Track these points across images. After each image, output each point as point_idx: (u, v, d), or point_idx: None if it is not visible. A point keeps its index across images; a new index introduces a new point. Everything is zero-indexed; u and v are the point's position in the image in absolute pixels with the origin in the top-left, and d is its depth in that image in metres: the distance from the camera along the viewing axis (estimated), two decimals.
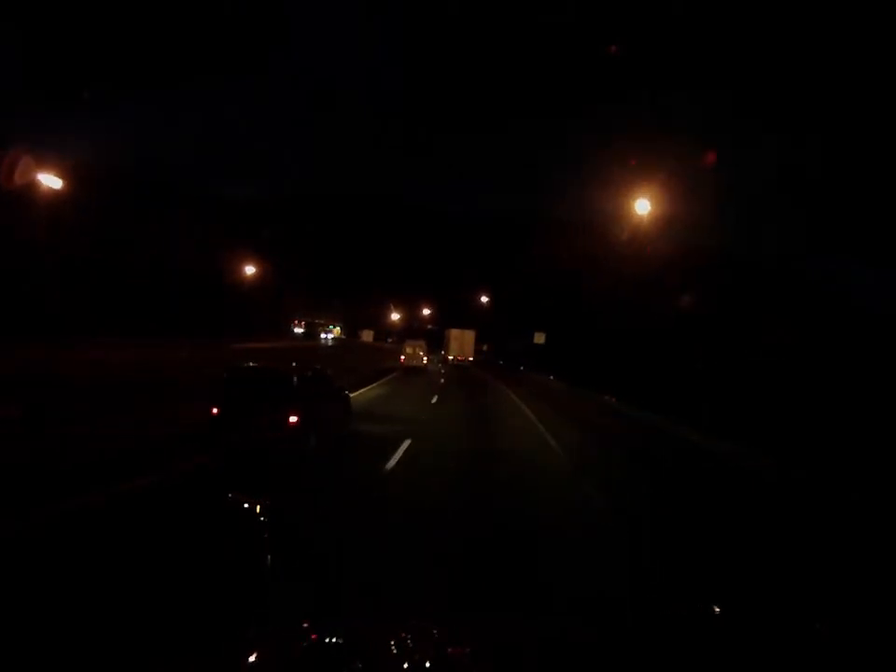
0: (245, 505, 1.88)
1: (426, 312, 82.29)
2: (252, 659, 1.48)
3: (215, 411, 9.39)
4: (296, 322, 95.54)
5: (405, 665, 1.53)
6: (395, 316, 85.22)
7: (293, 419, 9.43)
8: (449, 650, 1.69)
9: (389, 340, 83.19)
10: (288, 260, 74.87)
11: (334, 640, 1.66)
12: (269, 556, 1.78)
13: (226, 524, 1.93)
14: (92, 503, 6.50)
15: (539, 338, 45.32)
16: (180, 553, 5.10)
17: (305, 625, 1.70)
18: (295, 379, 10.23)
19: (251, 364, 11.21)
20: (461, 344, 52.10)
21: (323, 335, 70.57)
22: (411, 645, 1.68)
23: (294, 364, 11.65)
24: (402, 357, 38.06)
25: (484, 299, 68.76)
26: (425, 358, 39.93)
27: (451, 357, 51.42)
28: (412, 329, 75.18)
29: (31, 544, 5.32)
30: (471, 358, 51.62)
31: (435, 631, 1.82)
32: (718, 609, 1.98)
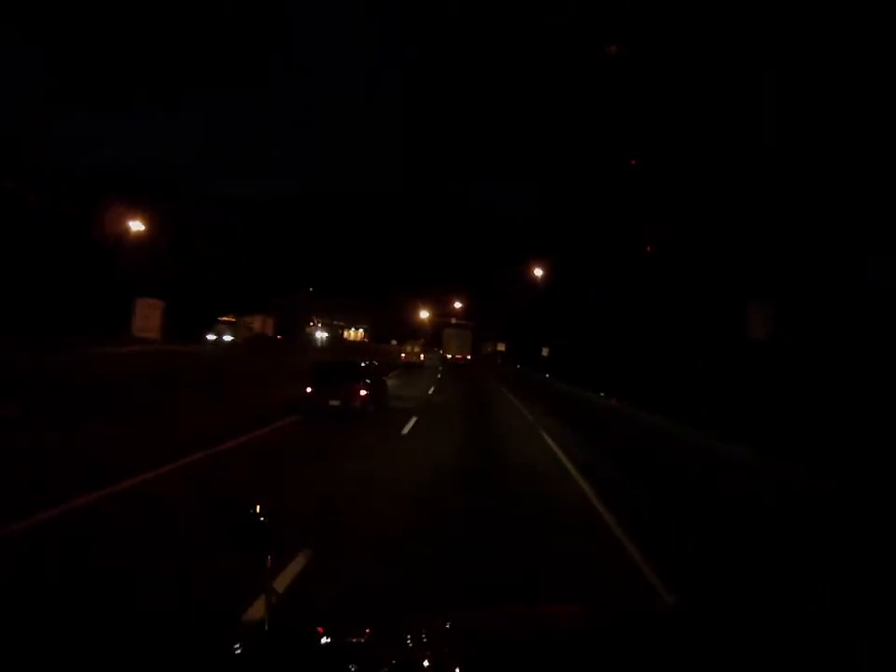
0: (246, 505, 1.88)
1: (457, 305, 76.23)
2: (253, 657, 1.48)
3: (309, 390, 14.11)
4: (312, 324, 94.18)
5: (408, 665, 1.53)
6: (424, 314, 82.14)
7: (363, 393, 14.31)
8: (448, 650, 1.69)
9: (393, 342, 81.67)
10: (294, 260, 74.64)
11: (336, 639, 1.65)
12: (269, 556, 1.78)
13: (228, 523, 1.93)
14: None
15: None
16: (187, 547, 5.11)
17: (309, 624, 1.70)
18: (361, 367, 15.66)
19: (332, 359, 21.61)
20: (459, 343, 53.07)
21: (213, 335, 45.17)
22: (416, 644, 1.68)
23: (357, 358, 18.96)
24: (403, 355, 44.08)
25: (538, 271, 46.34)
26: (422, 356, 46.35)
27: (449, 357, 52.07)
28: (436, 327, 72.37)
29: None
30: (469, 357, 52.38)
31: (447, 625, 1.82)
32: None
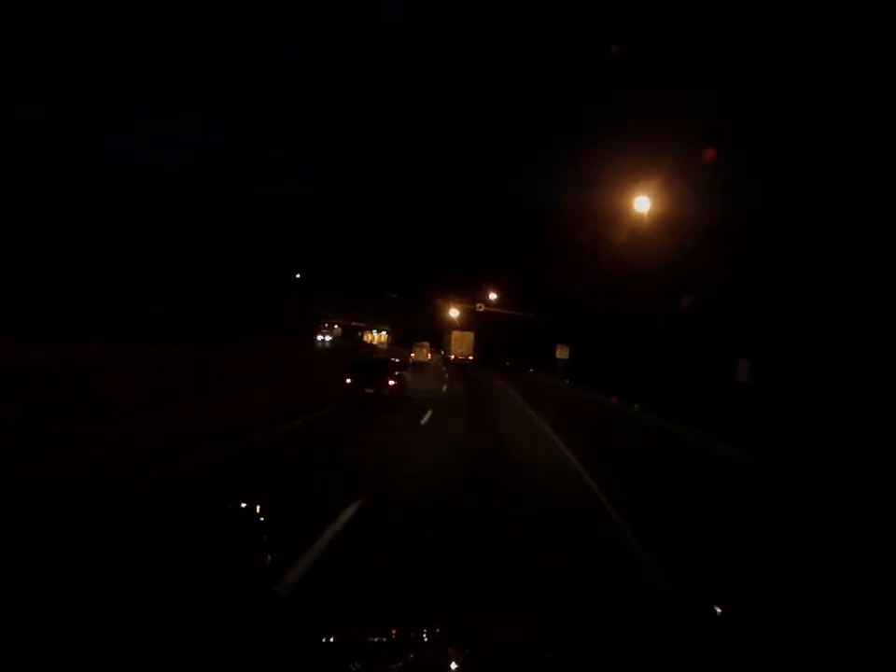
0: (245, 505, 1.88)
1: (492, 296, 69.93)
2: (252, 658, 1.48)
3: (349, 381, 17.50)
4: (326, 326, 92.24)
5: (408, 665, 1.52)
6: (453, 313, 78.96)
7: (392, 383, 18.02)
8: (450, 650, 1.69)
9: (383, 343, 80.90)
10: (295, 260, 73.91)
11: (336, 640, 1.65)
12: (269, 556, 1.78)
13: (227, 524, 1.93)
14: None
15: None
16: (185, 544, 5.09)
17: (308, 624, 1.70)
18: (388, 364, 19.76)
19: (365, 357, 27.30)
20: (461, 345, 58.45)
21: None
22: (414, 645, 1.67)
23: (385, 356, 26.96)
24: (412, 354, 49.85)
25: None
26: (429, 355, 54.49)
27: (452, 357, 57.32)
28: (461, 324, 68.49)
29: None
30: (471, 357, 56.52)
31: (438, 630, 1.82)
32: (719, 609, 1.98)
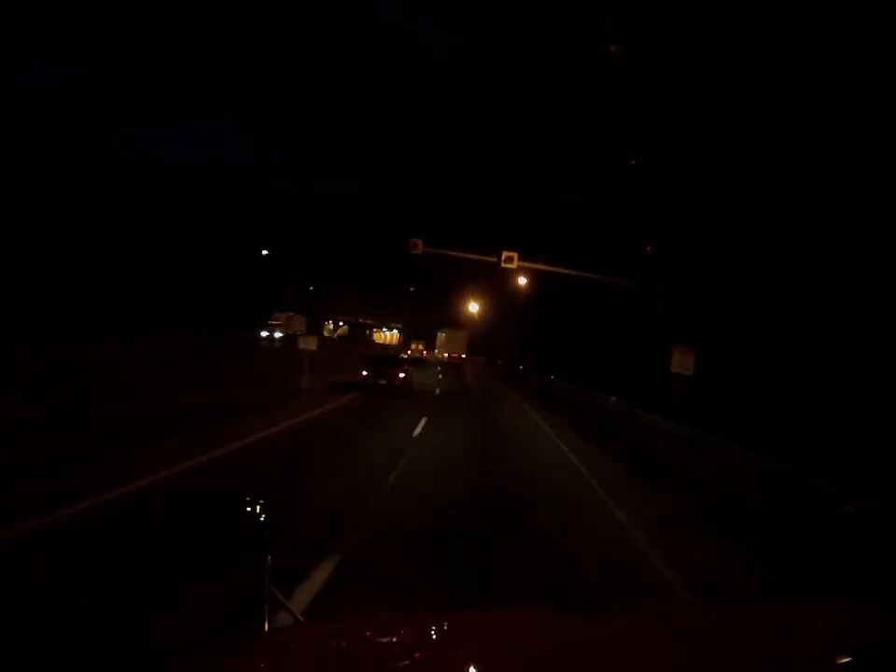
0: (247, 506, 1.86)
1: (521, 281, 62.09)
2: (251, 659, 1.46)
3: (365, 373, 21.22)
4: (334, 323, 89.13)
5: (408, 664, 1.51)
6: (473, 307, 74.84)
7: (402, 375, 21.79)
8: (452, 649, 1.67)
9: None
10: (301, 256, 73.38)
11: (335, 639, 1.63)
12: (269, 556, 1.76)
13: (226, 523, 1.91)
14: None
15: None
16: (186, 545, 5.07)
17: (306, 623, 1.68)
18: (399, 359, 24.61)
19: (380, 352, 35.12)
20: (453, 343, 61.63)
21: None
22: (415, 643, 1.66)
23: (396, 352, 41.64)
24: (409, 352, 56.03)
25: None
26: (425, 352, 63.05)
27: (446, 355, 60.37)
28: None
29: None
30: (464, 356, 59.02)
31: (444, 625, 1.80)
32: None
